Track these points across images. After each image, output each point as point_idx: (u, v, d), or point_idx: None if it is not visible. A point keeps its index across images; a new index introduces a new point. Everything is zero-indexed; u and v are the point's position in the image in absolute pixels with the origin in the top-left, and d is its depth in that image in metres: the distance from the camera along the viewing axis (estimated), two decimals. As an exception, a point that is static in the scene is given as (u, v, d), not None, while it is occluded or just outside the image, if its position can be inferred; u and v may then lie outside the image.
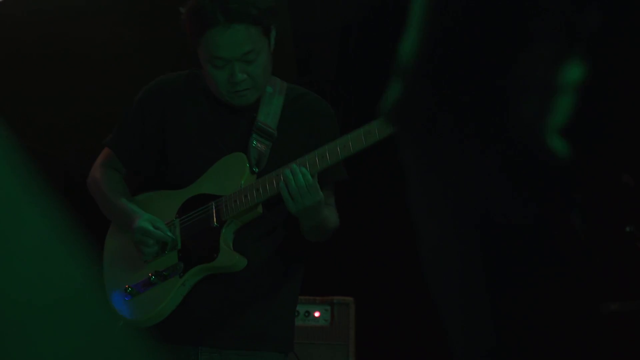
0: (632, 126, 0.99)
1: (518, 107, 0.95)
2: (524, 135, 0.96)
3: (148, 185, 2.85)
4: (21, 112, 4.37)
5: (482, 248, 0.98)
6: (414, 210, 1.05)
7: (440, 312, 1.05)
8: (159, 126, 2.79)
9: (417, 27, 1.01)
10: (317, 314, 4.32)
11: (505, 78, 0.95)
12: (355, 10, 4.79)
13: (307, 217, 2.63)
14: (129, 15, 4.41)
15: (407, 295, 4.92)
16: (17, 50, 4.42)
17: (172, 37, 2.91)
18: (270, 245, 2.75)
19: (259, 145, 2.72)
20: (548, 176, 0.97)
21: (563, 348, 0.99)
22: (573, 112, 0.96)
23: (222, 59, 2.67)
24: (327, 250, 5.13)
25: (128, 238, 2.77)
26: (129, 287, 2.72)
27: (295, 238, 2.80)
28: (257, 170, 2.70)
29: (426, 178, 1.02)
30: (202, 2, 2.65)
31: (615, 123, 0.99)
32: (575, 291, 0.98)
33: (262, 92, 2.78)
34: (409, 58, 1.00)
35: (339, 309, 4.32)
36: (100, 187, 2.83)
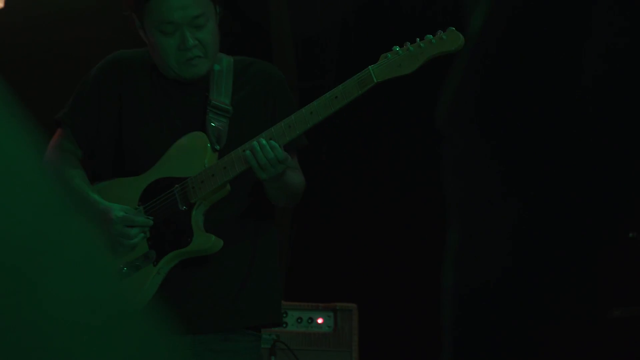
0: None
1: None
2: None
3: (102, 172, 2.75)
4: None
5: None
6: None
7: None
8: (115, 107, 2.72)
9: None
10: (320, 321, 4.32)
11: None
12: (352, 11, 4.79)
13: (274, 183, 2.60)
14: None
15: (410, 301, 4.91)
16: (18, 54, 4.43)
17: None
18: (238, 221, 2.71)
19: (216, 123, 2.66)
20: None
21: None
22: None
23: (172, 23, 2.62)
24: (330, 256, 5.12)
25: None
26: None
27: (265, 210, 2.77)
28: (218, 147, 2.65)
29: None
30: None
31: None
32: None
33: (211, 69, 2.73)
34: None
35: (342, 316, 4.32)
36: (61, 175, 2.70)
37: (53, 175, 2.77)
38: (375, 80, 2.50)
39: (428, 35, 2.51)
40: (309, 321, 4.31)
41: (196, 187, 2.60)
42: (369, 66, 2.52)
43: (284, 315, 4.27)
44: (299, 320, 4.29)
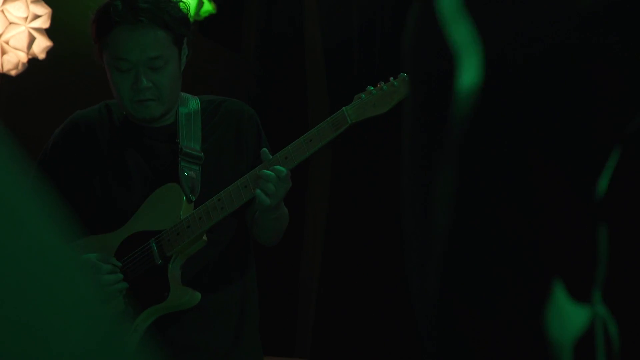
0: None
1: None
2: None
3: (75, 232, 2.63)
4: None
5: None
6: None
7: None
8: (80, 169, 2.61)
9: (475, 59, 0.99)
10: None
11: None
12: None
13: (274, 213, 2.51)
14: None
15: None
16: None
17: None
18: (217, 273, 2.61)
19: (189, 172, 2.56)
20: None
21: None
22: None
23: (127, 60, 2.51)
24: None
25: None
26: None
27: (248, 255, 2.69)
28: (193, 198, 2.55)
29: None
30: (112, 2, 2.53)
31: None
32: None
33: (174, 110, 2.63)
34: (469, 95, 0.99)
35: None
36: None
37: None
38: (349, 122, 2.45)
39: (402, 74, 2.46)
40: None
41: (172, 239, 2.51)
42: (343, 107, 2.47)
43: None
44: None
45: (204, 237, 2.52)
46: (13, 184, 0.76)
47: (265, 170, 2.44)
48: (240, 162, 2.58)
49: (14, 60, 4.03)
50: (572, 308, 0.98)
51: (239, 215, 2.65)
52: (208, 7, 4.57)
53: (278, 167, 2.43)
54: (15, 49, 4.02)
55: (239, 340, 2.63)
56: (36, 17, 4.03)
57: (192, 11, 4.49)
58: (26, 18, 4.01)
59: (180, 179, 2.56)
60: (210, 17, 4.74)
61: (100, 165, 2.61)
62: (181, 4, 2.61)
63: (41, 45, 4.06)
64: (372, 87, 2.48)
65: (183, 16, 2.59)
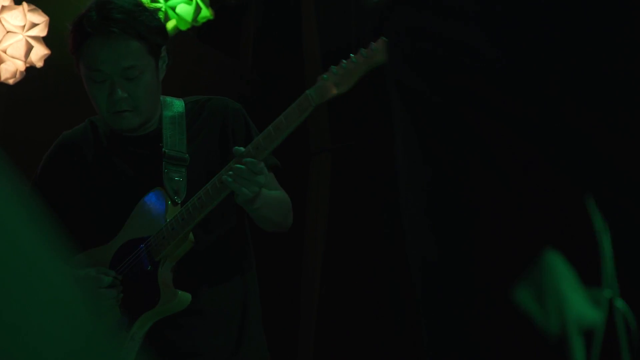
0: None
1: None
2: None
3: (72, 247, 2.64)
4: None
5: None
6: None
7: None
8: (68, 190, 2.63)
9: None
10: None
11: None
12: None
13: (253, 202, 2.48)
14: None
15: None
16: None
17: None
18: (216, 276, 2.60)
19: (172, 174, 2.56)
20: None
21: None
22: None
23: (100, 71, 2.51)
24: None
25: None
26: None
27: (242, 261, 2.67)
28: (179, 201, 2.55)
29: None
30: (86, 13, 2.52)
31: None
32: None
33: (157, 117, 2.63)
34: None
35: None
36: None
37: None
38: (313, 104, 2.44)
39: (361, 49, 2.45)
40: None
41: (159, 244, 2.50)
42: (307, 90, 2.46)
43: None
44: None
45: (190, 238, 2.51)
46: (9, 207, 0.76)
47: (236, 165, 2.43)
48: (229, 159, 2.54)
49: (11, 68, 4.03)
50: (580, 300, 0.98)
51: (234, 217, 2.65)
52: (206, 13, 4.56)
53: (248, 159, 2.42)
54: (13, 57, 4.01)
55: (243, 342, 2.62)
56: (33, 25, 4.03)
57: (189, 17, 4.49)
58: (23, 27, 4.01)
59: (164, 183, 2.56)
60: (208, 23, 4.74)
61: (88, 182, 2.62)
62: (160, 13, 2.63)
63: (39, 54, 4.06)
64: (334, 67, 2.46)
65: (159, 25, 2.59)
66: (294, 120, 2.45)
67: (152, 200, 2.56)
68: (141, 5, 2.60)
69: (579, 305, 0.97)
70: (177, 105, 2.68)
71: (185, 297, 2.50)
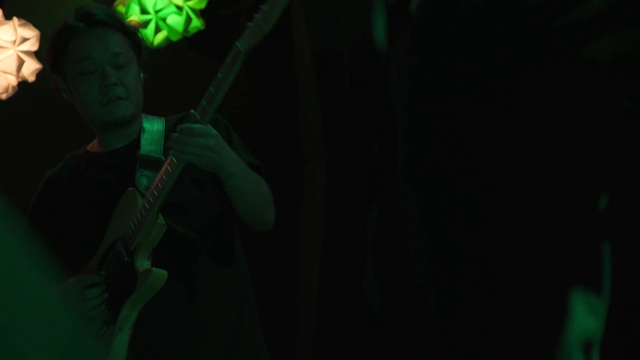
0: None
1: None
2: None
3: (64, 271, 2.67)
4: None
5: None
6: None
7: None
8: (57, 221, 2.66)
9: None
10: None
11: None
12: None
13: (215, 162, 2.47)
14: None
15: None
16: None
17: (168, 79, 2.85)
18: (207, 282, 2.60)
19: (145, 174, 2.59)
20: None
21: None
22: None
23: (91, 59, 2.56)
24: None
25: None
26: None
27: (232, 264, 2.66)
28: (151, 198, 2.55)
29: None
30: (65, 21, 2.61)
31: None
32: None
33: (140, 126, 2.66)
34: None
35: None
36: None
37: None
38: (242, 50, 2.45)
39: None
40: None
41: (132, 234, 2.52)
42: (236, 41, 2.49)
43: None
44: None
45: (160, 221, 2.52)
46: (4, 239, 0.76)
47: (174, 133, 2.46)
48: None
49: (3, 84, 4.03)
50: (583, 312, 0.98)
51: (221, 222, 2.65)
52: (196, 23, 4.57)
53: (189, 125, 2.44)
54: (5, 72, 4.02)
55: (239, 346, 2.62)
56: (24, 40, 4.03)
57: (180, 28, 4.50)
58: (14, 41, 4.01)
59: (136, 182, 2.58)
60: (199, 33, 4.74)
61: (71, 206, 2.65)
62: (139, 33, 2.69)
63: (30, 68, 4.06)
64: (256, 14, 2.49)
65: (136, 29, 2.69)
66: (229, 72, 2.49)
67: (125, 202, 2.59)
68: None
69: (581, 317, 0.97)
70: (157, 120, 2.72)
71: (160, 273, 2.50)
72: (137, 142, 2.66)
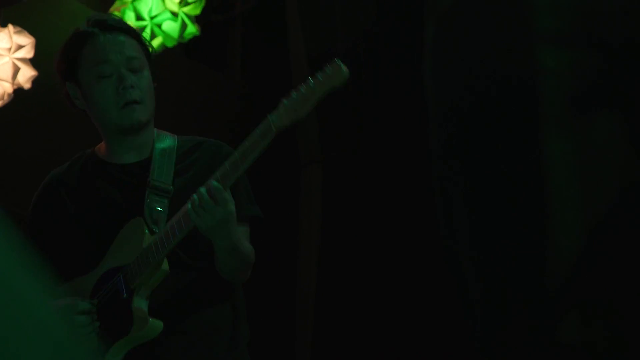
0: None
1: None
2: None
3: (61, 277, 2.67)
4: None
5: None
6: None
7: None
8: (58, 225, 2.64)
9: None
10: None
11: None
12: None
13: (220, 234, 2.44)
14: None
15: None
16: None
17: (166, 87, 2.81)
18: (192, 302, 2.59)
19: (154, 204, 2.57)
20: None
21: None
22: None
23: (108, 62, 2.56)
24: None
25: None
26: None
27: (217, 289, 2.63)
28: (157, 230, 2.54)
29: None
30: (77, 29, 2.63)
31: None
32: None
33: (152, 146, 2.64)
34: None
35: None
36: None
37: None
38: (274, 130, 2.39)
39: (317, 73, 2.39)
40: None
41: (134, 272, 2.50)
42: (269, 115, 2.42)
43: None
44: None
45: (164, 267, 2.50)
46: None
47: (200, 189, 2.40)
48: None
49: (-1, 91, 4.03)
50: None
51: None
52: (192, 29, 4.58)
53: (214, 182, 2.40)
54: (0, 80, 4.02)
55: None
56: (20, 47, 4.03)
57: (175, 34, 4.50)
58: (10, 49, 4.01)
59: (145, 212, 2.56)
60: (195, 39, 4.75)
61: (74, 208, 2.63)
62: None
63: (26, 75, 4.06)
64: (294, 92, 2.42)
65: (148, 42, 2.71)
66: (257, 146, 2.41)
67: (132, 229, 2.57)
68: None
69: None
70: (169, 139, 2.69)
71: (157, 324, 2.49)
72: (148, 163, 2.63)
